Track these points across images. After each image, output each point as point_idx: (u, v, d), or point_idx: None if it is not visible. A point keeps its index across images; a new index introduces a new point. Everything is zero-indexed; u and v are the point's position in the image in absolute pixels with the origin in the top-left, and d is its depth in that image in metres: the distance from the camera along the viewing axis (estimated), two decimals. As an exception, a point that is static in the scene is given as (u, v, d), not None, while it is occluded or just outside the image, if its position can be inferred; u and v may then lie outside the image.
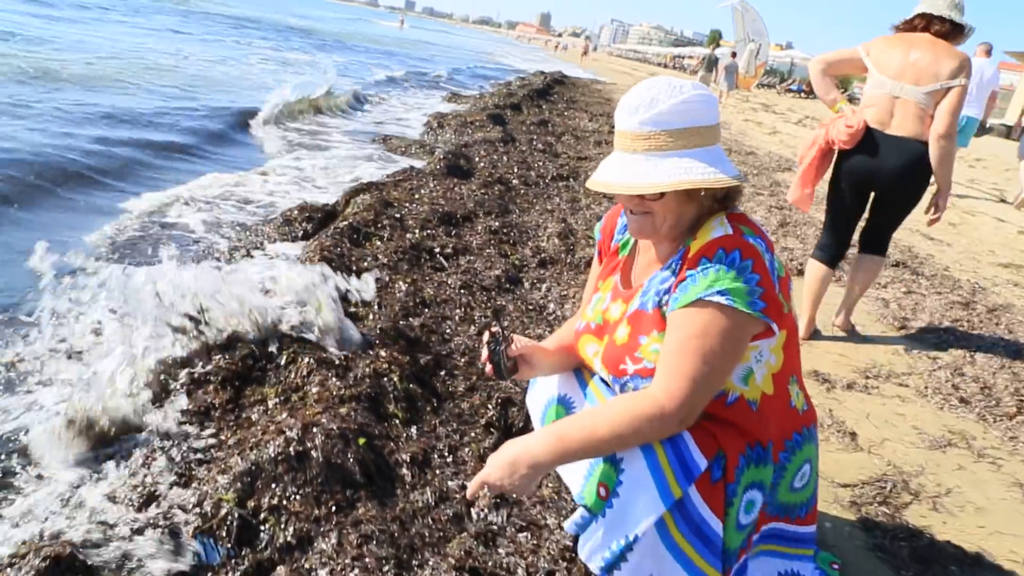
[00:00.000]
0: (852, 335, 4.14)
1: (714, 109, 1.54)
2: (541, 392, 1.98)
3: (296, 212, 4.61)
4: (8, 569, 1.62)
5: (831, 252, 3.88)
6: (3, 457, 2.20)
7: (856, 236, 3.96)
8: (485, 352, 1.84)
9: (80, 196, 5.06)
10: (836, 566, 2.11)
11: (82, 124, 6.93)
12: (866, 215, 3.86)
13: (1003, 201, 10.55)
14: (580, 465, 1.80)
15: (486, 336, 1.84)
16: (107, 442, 2.27)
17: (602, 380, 1.81)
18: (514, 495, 1.53)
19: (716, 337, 1.44)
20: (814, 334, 4.04)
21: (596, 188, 1.57)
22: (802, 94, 38.12)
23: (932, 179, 3.53)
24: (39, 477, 2.13)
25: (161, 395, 2.44)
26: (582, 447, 1.48)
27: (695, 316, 1.46)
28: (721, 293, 1.43)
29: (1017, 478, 2.85)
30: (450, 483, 2.25)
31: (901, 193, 3.60)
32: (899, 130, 3.48)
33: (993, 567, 2.27)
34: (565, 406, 1.90)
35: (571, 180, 7.05)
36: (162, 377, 2.50)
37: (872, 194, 3.73)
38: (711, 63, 24.57)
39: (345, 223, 4.21)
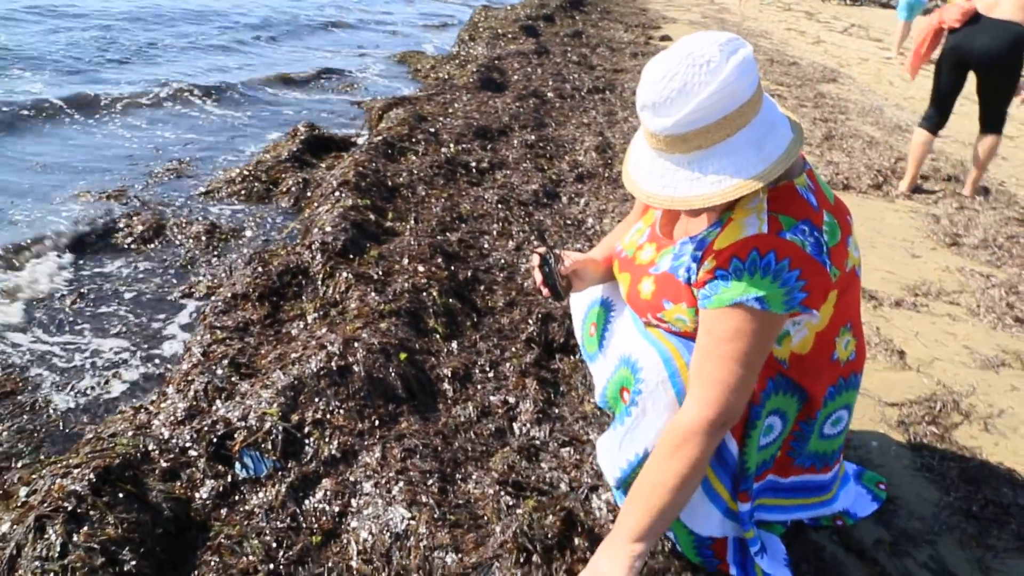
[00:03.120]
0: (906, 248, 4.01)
1: (752, 72, 1.29)
2: (585, 294, 1.94)
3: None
4: (60, 479, 1.64)
5: (933, 121, 4.64)
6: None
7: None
8: (539, 276, 1.76)
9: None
10: (883, 486, 2.08)
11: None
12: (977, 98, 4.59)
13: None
14: (606, 368, 1.76)
15: (536, 259, 1.76)
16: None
17: None
18: None
19: (748, 338, 1.36)
20: (916, 190, 5.03)
21: (634, 192, 1.42)
22: (847, 1, 35.99)
23: None
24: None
25: (199, 311, 2.44)
26: (662, 508, 1.40)
27: (726, 318, 1.37)
28: (757, 300, 1.33)
29: (1073, 399, 2.77)
30: (492, 398, 2.24)
31: (998, 67, 4.21)
32: (1002, 14, 4.10)
33: (1047, 488, 2.22)
34: (606, 308, 1.86)
35: (607, 93, 6.81)
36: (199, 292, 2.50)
37: (972, 73, 4.37)
38: None
39: (379, 138, 4.12)
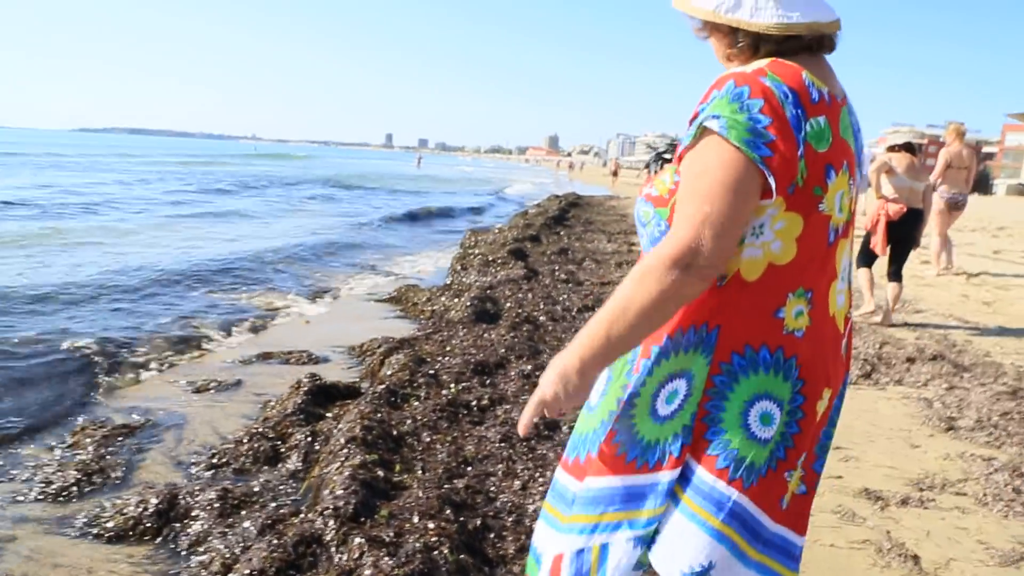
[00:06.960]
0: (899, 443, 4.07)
1: None
2: None
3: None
4: None
5: (868, 261, 7.09)
6: None
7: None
8: None
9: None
10: None
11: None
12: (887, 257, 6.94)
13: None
14: None
15: None
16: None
17: None
18: (569, 411, 1.41)
19: (714, 172, 1.28)
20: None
21: None
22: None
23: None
24: None
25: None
26: (618, 330, 1.29)
27: (696, 153, 1.32)
28: (715, 117, 1.28)
29: (1098, 589, 2.73)
30: (511, 662, 2.23)
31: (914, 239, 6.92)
32: (914, 205, 6.75)
33: None
34: None
35: (595, 309, 7.14)
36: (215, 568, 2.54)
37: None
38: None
39: (382, 386, 4.32)
